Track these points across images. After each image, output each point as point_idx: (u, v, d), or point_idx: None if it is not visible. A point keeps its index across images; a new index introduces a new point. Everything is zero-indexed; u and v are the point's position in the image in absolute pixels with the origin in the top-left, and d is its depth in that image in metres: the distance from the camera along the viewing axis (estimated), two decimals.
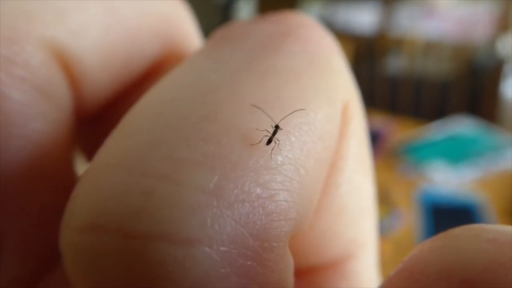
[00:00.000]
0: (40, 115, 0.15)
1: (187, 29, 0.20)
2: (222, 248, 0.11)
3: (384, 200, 1.28)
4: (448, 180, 1.37)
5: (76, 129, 0.17)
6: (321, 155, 0.14)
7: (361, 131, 0.17)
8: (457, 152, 1.49)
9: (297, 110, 0.13)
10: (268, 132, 0.13)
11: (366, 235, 0.18)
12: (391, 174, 1.43)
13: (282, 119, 0.13)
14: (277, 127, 0.13)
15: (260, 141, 0.13)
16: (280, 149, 0.13)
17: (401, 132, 1.70)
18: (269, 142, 0.13)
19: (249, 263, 0.11)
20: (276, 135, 0.13)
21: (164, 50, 0.19)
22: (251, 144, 0.12)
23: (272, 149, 0.13)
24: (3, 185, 0.14)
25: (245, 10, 2.94)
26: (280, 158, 0.13)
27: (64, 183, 0.14)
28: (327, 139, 0.14)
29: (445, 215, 1.23)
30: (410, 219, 1.22)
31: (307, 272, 0.18)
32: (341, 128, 0.16)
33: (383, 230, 1.18)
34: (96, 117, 0.19)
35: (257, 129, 0.13)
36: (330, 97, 0.15)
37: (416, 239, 1.15)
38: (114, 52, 0.17)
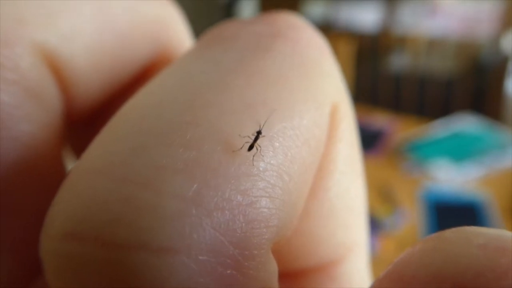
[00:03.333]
0: (29, 117, 0.15)
1: (178, 31, 0.20)
2: (200, 257, 0.11)
3: (388, 198, 1.28)
4: (451, 178, 1.37)
5: (66, 131, 0.17)
6: (307, 160, 0.14)
7: (351, 134, 0.17)
8: (460, 150, 1.49)
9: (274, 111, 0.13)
10: (250, 138, 0.13)
11: (356, 238, 0.18)
12: (394, 172, 1.43)
13: (262, 126, 0.13)
14: (259, 132, 0.13)
15: (242, 147, 0.12)
16: (263, 155, 0.13)
17: (404, 130, 1.70)
18: (250, 148, 0.13)
19: (228, 271, 0.11)
20: (260, 141, 0.13)
21: (156, 52, 0.19)
22: (233, 151, 0.12)
23: (254, 155, 0.13)
24: None
25: (247, 9, 2.94)
26: (262, 165, 0.12)
27: (55, 185, 0.14)
28: (314, 144, 0.14)
29: (449, 213, 1.23)
30: (413, 217, 1.22)
31: (296, 275, 0.17)
32: (329, 131, 0.15)
33: (386, 228, 1.18)
34: (88, 119, 0.19)
35: (239, 135, 0.13)
36: (318, 100, 0.15)
37: (420, 237, 1.15)
38: (105, 55, 0.17)
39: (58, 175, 0.16)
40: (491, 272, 0.09)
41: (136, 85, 0.19)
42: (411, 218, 1.22)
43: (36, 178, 0.15)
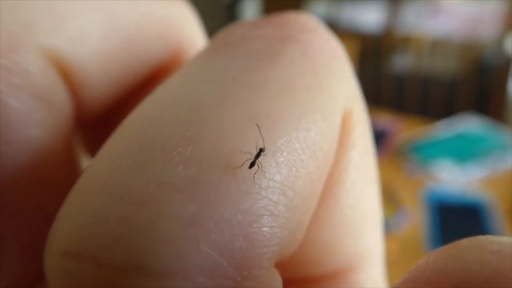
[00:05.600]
0: (38, 121, 0.15)
1: (191, 30, 0.19)
2: (198, 279, 0.11)
3: (391, 199, 1.28)
4: (454, 178, 1.37)
5: (78, 133, 0.17)
6: (314, 174, 0.13)
7: (364, 140, 0.16)
8: (464, 151, 1.49)
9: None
10: (251, 154, 0.12)
11: (369, 246, 0.17)
12: (397, 172, 1.43)
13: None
14: (261, 150, 0.12)
15: (243, 165, 0.12)
16: (265, 172, 0.12)
17: (407, 130, 1.69)
18: (252, 165, 0.12)
19: None
20: (263, 156, 0.12)
21: (168, 53, 0.19)
22: (233, 168, 0.12)
23: (255, 172, 0.12)
24: (2, 188, 0.14)
25: (250, 9, 2.94)
26: (264, 182, 0.12)
27: (65, 188, 0.14)
28: (321, 156, 0.14)
29: (452, 214, 1.22)
30: (416, 218, 1.22)
31: (307, 281, 0.17)
32: (341, 139, 0.15)
33: (390, 229, 1.18)
34: (101, 120, 0.19)
35: (241, 151, 0.12)
36: (327, 109, 0.14)
37: (423, 238, 1.15)
38: (114, 57, 0.17)
39: (68, 179, 0.16)
40: (503, 278, 0.09)
41: (149, 85, 0.19)
42: (414, 219, 1.22)
43: (46, 182, 0.15)
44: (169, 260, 0.11)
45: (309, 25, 0.16)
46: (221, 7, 2.89)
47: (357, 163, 0.16)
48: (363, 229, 0.17)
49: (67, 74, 0.16)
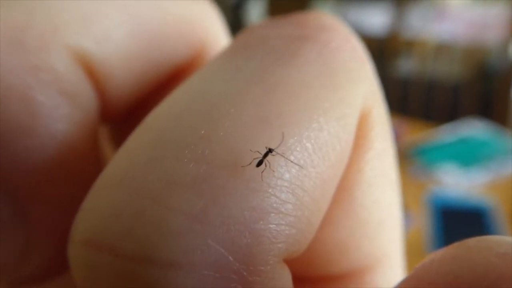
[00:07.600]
0: (65, 116, 0.16)
1: (213, 30, 0.20)
2: (205, 272, 0.11)
3: None
4: (458, 183, 1.37)
5: (102, 129, 0.18)
6: (325, 174, 0.13)
7: (382, 142, 0.16)
8: (467, 155, 1.49)
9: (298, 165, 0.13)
10: (260, 153, 0.13)
11: (386, 248, 0.17)
12: (401, 176, 1.41)
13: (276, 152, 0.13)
14: (270, 150, 0.13)
15: (251, 163, 0.12)
16: (273, 170, 0.12)
17: (411, 134, 1.69)
18: (260, 164, 0.12)
19: (233, 285, 0.11)
20: (273, 155, 0.13)
21: (190, 52, 0.19)
22: (242, 166, 0.12)
23: (264, 171, 0.12)
24: (31, 177, 0.15)
25: (255, 10, 2.95)
26: (273, 180, 0.12)
27: (89, 180, 0.15)
28: (334, 157, 0.14)
29: (455, 217, 1.23)
30: (420, 221, 1.23)
31: (320, 279, 0.17)
32: (357, 139, 0.15)
33: None
34: (126, 116, 0.20)
35: (250, 150, 0.13)
36: (341, 110, 0.14)
37: (426, 241, 1.15)
38: (138, 57, 0.17)
39: (92, 171, 0.17)
40: (507, 281, 0.09)
41: (173, 82, 0.19)
42: (417, 222, 1.22)
43: (71, 173, 0.16)
44: (177, 253, 0.11)
45: (328, 25, 0.16)
46: (227, 8, 2.89)
47: (374, 164, 0.16)
48: (380, 230, 0.17)
49: (92, 72, 0.17)
